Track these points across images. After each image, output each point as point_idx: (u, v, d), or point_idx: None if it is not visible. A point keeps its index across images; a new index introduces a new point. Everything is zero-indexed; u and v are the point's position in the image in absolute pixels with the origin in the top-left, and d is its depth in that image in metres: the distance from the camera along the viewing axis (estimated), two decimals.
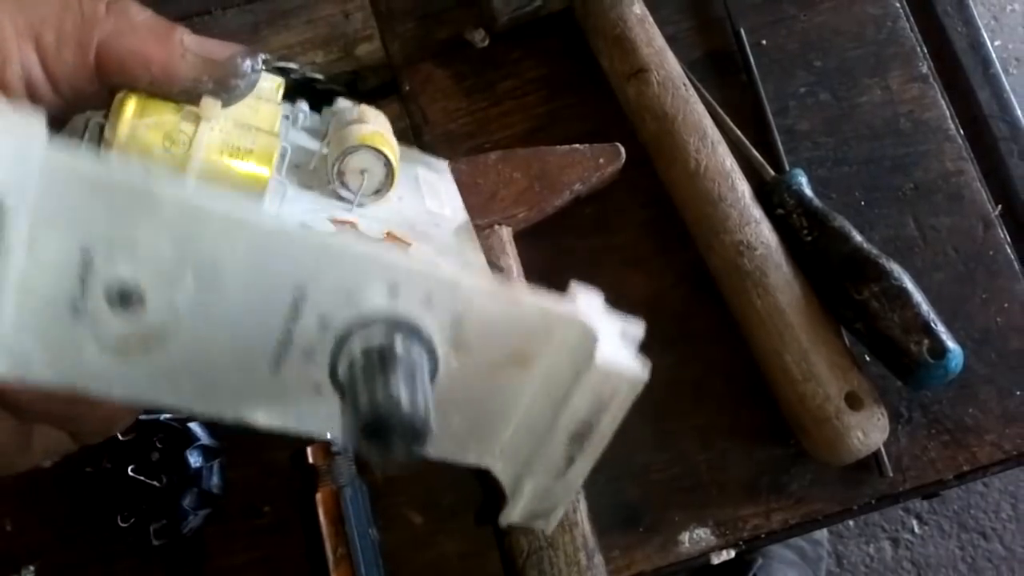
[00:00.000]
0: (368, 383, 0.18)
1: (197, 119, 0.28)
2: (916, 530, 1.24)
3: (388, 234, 0.35)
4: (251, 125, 0.30)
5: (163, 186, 0.17)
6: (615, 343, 0.23)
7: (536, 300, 0.21)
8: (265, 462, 0.43)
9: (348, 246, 0.19)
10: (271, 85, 0.33)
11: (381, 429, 0.18)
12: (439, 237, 0.36)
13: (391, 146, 0.35)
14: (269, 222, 0.18)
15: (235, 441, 0.43)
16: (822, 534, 1.17)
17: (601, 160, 0.44)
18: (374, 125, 0.36)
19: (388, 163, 0.34)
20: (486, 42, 0.49)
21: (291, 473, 0.40)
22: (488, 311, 0.20)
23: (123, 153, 0.27)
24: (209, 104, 0.27)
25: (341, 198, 0.35)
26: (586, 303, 0.23)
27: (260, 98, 0.31)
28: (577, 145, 0.44)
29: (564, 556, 0.38)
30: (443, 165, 0.42)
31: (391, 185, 0.35)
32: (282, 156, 0.31)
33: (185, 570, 0.42)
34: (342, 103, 0.37)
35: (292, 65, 0.47)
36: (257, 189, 0.30)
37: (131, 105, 0.27)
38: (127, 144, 0.27)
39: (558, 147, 0.44)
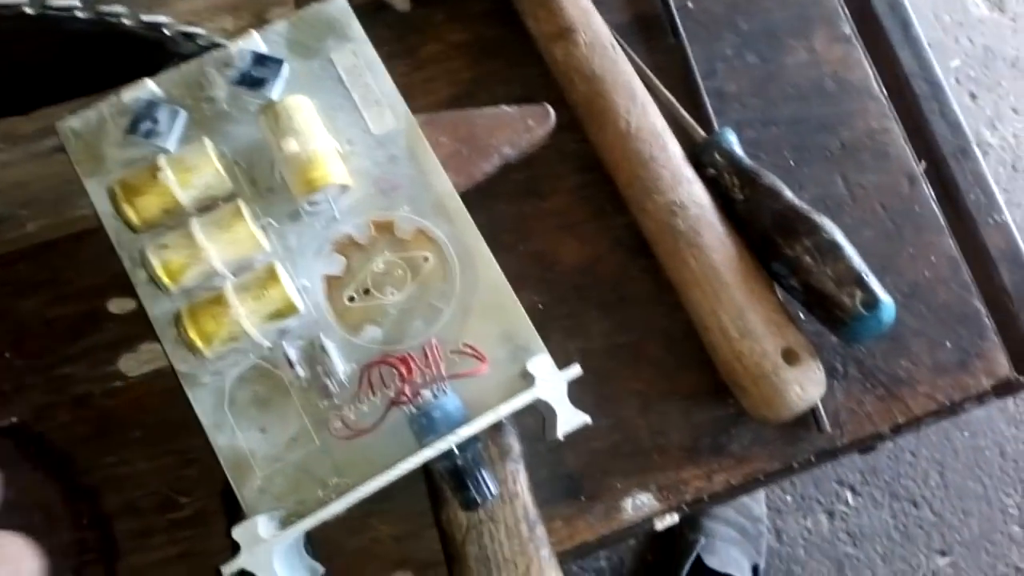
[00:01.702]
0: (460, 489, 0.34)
1: (232, 314, 0.34)
2: (850, 502, 1.27)
3: (374, 223, 0.38)
4: (243, 258, 0.36)
5: None
6: (566, 407, 0.35)
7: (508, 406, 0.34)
8: (181, 450, 0.40)
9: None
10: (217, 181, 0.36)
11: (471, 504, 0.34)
12: (400, 173, 0.38)
13: (340, 167, 0.37)
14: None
15: (148, 430, 0.40)
16: (761, 510, 1.18)
17: (530, 121, 0.42)
18: (312, 141, 0.36)
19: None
20: (407, 6, 0.47)
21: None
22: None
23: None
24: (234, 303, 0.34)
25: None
26: (541, 373, 0.35)
27: (227, 228, 0.35)
28: (504, 106, 0.42)
29: (505, 528, 0.37)
30: (351, 26, 0.40)
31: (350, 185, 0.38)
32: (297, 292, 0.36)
33: (96, 570, 0.39)
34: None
35: (199, 31, 0.44)
36: (293, 312, 0.36)
37: (193, 331, 0.34)
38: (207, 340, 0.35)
39: (485, 109, 0.42)
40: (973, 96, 1.45)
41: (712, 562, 1.05)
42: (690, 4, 0.49)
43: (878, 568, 1.24)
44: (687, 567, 1.05)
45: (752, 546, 1.14)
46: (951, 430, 1.29)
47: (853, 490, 1.27)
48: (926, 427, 0.44)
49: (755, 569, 1.11)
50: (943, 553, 1.24)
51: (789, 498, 1.27)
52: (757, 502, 1.19)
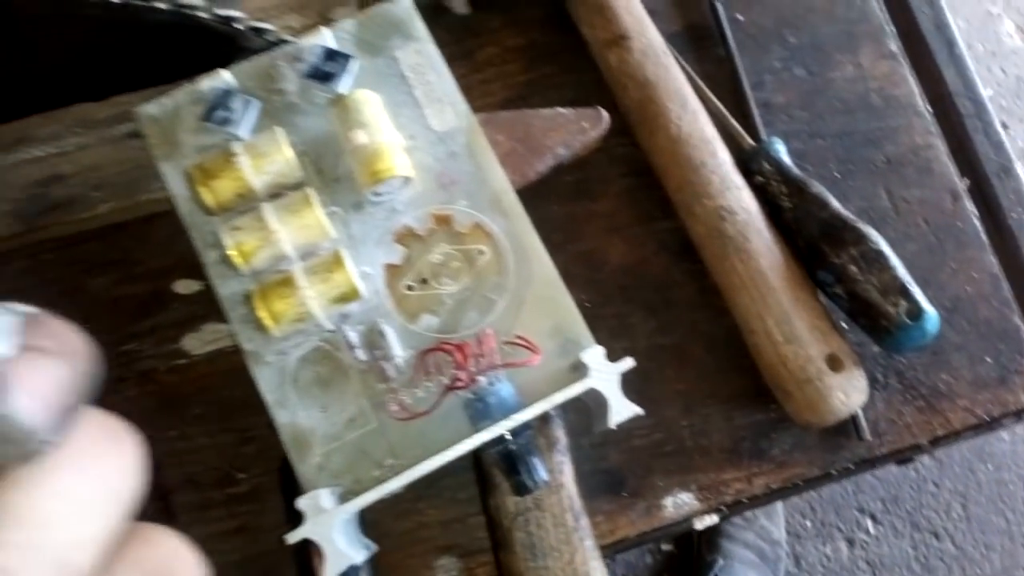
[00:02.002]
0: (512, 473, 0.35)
1: (300, 296, 0.36)
2: (871, 530, 1.26)
3: (433, 216, 0.39)
4: (311, 243, 0.37)
5: None
6: (619, 397, 0.36)
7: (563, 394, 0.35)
8: (240, 428, 0.42)
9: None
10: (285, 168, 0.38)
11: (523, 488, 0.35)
12: (459, 168, 0.40)
13: (404, 161, 0.38)
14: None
15: (209, 407, 0.42)
16: (781, 534, 1.18)
17: (584, 124, 0.43)
18: (379, 133, 0.38)
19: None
20: (466, 9, 0.49)
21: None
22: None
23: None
24: (303, 285, 0.36)
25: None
26: (595, 364, 0.36)
27: (298, 213, 0.37)
28: (560, 108, 0.44)
29: (551, 517, 0.38)
30: (415, 26, 0.41)
31: (413, 178, 0.39)
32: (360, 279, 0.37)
33: None
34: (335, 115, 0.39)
35: (269, 27, 0.46)
36: (356, 297, 0.37)
37: (263, 310, 0.36)
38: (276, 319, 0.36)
39: (541, 110, 0.43)
40: (1005, 127, 1.45)
41: None
42: (740, 16, 0.50)
43: None
44: None
45: (770, 570, 1.14)
46: (975, 462, 1.28)
47: (874, 518, 1.26)
48: (963, 442, 0.45)
49: None
50: None
51: (809, 523, 1.26)
52: (776, 526, 1.18)
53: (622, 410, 0.35)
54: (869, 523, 1.28)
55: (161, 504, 0.40)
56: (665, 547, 1.22)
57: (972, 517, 1.28)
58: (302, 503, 0.33)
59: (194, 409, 0.42)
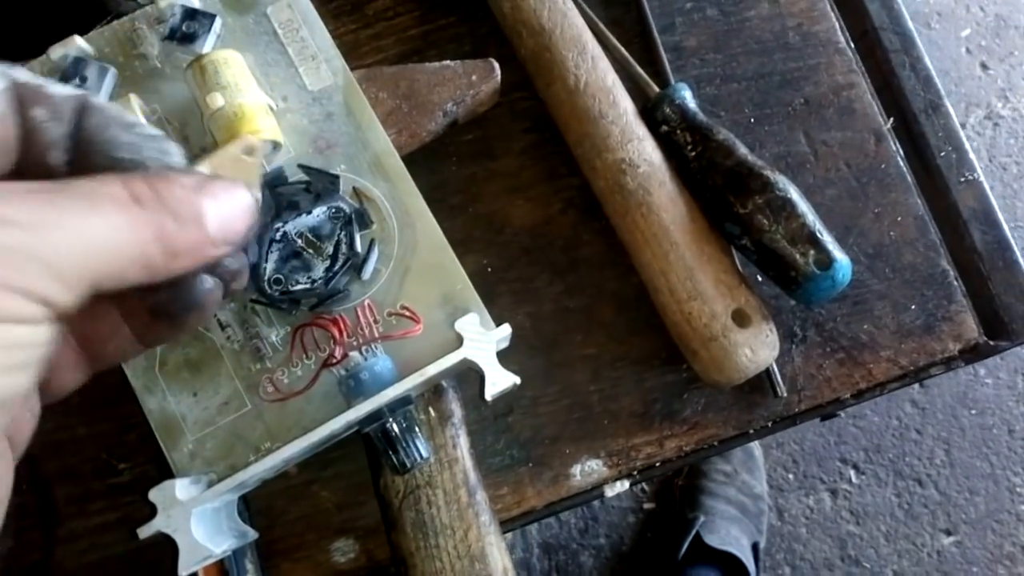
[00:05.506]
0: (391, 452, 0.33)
1: None
2: (854, 480, 1.26)
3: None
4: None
5: None
6: (494, 367, 0.34)
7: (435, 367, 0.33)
8: (120, 416, 0.40)
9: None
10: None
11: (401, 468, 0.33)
12: (336, 130, 0.37)
13: (270, 123, 0.36)
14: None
15: (87, 394, 0.40)
16: (763, 488, 1.17)
17: (474, 77, 0.41)
18: (240, 95, 0.35)
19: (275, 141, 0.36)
20: None
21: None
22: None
23: None
24: None
25: None
26: (468, 332, 0.34)
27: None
28: (448, 62, 0.41)
29: (443, 494, 0.36)
30: None
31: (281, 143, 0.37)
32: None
33: (35, 535, 0.38)
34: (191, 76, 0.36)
35: None
36: None
37: None
38: None
39: (427, 64, 0.41)
40: (984, 67, 1.41)
41: (712, 540, 1.04)
42: None
43: (881, 547, 1.22)
44: (686, 545, 1.04)
45: (752, 524, 1.13)
46: (958, 408, 1.27)
47: (857, 468, 1.25)
48: (889, 393, 0.43)
49: (755, 547, 1.09)
50: (948, 532, 1.22)
51: (791, 476, 1.25)
52: (758, 480, 1.17)
53: (498, 381, 0.33)
54: (852, 473, 1.28)
55: (40, 497, 0.39)
56: (647, 506, 1.22)
57: (956, 463, 1.27)
58: (153, 495, 0.31)
59: (71, 397, 0.40)
